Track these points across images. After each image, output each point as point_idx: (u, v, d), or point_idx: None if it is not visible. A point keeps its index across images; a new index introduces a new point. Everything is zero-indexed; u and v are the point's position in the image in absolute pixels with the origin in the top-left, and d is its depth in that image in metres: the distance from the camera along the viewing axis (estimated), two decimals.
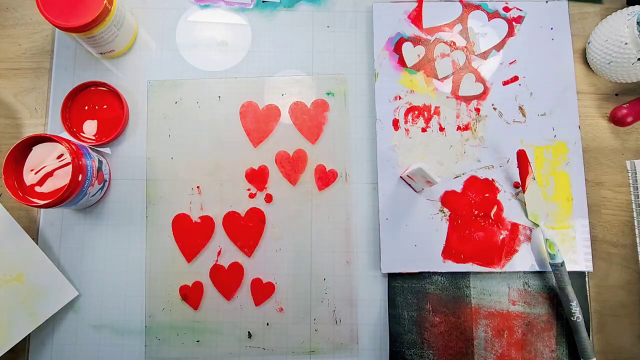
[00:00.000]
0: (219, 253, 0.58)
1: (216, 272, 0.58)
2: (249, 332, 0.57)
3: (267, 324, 0.57)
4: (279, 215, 0.59)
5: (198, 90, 0.61)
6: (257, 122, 0.60)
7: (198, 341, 0.57)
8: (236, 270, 0.58)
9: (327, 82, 0.61)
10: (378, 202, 0.59)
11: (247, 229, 0.59)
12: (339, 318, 0.58)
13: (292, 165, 0.59)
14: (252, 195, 0.59)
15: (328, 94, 0.61)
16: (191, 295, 0.57)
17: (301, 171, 0.59)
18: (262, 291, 0.58)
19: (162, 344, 0.57)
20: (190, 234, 0.58)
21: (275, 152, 0.60)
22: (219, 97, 0.61)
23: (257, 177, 0.59)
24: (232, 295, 0.58)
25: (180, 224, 0.59)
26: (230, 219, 0.59)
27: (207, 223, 0.59)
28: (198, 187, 0.59)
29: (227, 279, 0.58)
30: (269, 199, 0.59)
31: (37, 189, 0.53)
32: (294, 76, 0.61)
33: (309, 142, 0.60)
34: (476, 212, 0.59)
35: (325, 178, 0.60)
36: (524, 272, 0.58)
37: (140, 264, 0.58)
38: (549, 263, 0.57)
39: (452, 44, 0.62)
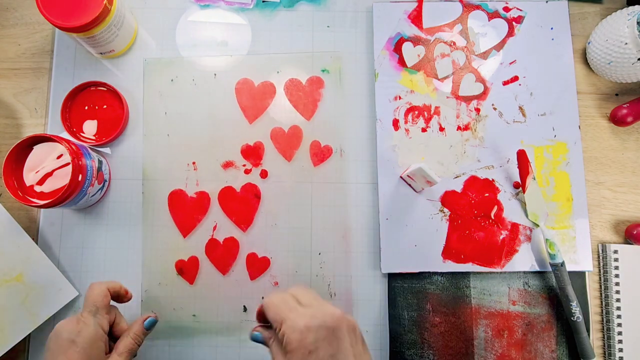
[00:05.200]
0: (214, 228, 0.59)
1: (212, 246, 0.58)
2: (244, 306, 0.57)
3: (262, 298, 0.58)
4: (274, 190, 0.59)
5: (193, 68, 0.61)
6: (253, 99, 0.61)
7: (194, 315, 0.57)
8: (231, 245, 0.58)
9: (322, 60, 0.62)
10: (378, 202, 0.59)
11: (242, 204, 0.59)
12: (333, 292, 0.58)
13: (287, 141, 0.60)
14: (247, 171, 0.60)
15: (323, 70, 0.61)
16: (187, 269, 0.58)
17: (296, 147, 0.60)
18: (257, 265, 0.58)
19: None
20: (186, 210, 0.59)
21: (270, 128, 0.60)
22: (215, 74, 0.61)
23: (253, 153, 0.60)
24: (228, 269, 0.58)
25: (176, 199, 0.59)
26: (226, 194, 0.59)
27: (202, 198, 0.59)
28: (194, 163, 0.60)
29: (222, 254, 0.58)
30: (264, 174, 0.59)
31: (37, 188, 0.53)
32: (289, 54, 0.62)
33: (304, 119, 0.61)
34: (476, 212, 0.59)
35: (321, 154, 0.60)
36: (524, 272, 0.58)
37: (141, 264, 0.58)
38: (549, 263, 0.57)
39: (452, 44, 0.62)
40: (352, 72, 0.62)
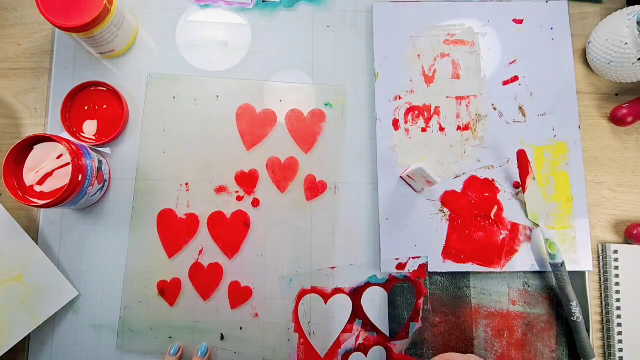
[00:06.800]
0: (200, 252, 0.58)
1: (196, 270, 0.58)
2: (222, 334, 0.57)
3: (241, 328, 0.57)
4: (264, 220, 0.59)
5: (197, 88, 0.61)
6: (253, 126, 0.60)
7: (170, 337, 0.57)
8: (216, 270, 0.58)
9: (326, 93, 0.61)
10: (378, 202, 0.59)
11: (231, 231, 0.58)
12: (313, 330, 0.57)
13: (282, 172, 0.59)
14: (239, 198, 0.59)
15: (326, 104, 0.60)
16: (168, 291, 0.57)
17: (291, 179, 0.59)
18: (239, 295, 0.58)
19: (134, 336, 0.57)
20: (174, 230, 0.58)
21: (267, 158, 0.60)
22: (217, 96, 0.61)
23: (247, 180, 0.59)
24: (209, 295, 0.57)
25: (166, 219, 0.59)
26: (216, 219, 0.59)
27: (192, 220, 0.59)
28: (187, 184, 0.59)
29: (205, 279, 0.58)
30: (256, 203, 0.59)
31: (37, 188, 0.53)
32: (294, 84, 0.61)
33: (302, 151, 0.60)
34: (476, 212, 0.59)
35: (315, 189, 0.59)
36: (524, 272, 0.58)
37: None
38: (549, 263, 0.57)
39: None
40: (353, 73, 0.62)
